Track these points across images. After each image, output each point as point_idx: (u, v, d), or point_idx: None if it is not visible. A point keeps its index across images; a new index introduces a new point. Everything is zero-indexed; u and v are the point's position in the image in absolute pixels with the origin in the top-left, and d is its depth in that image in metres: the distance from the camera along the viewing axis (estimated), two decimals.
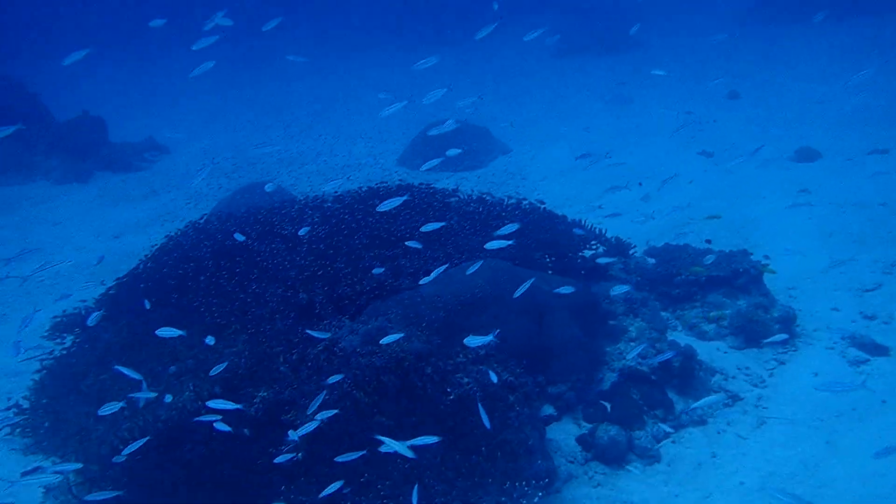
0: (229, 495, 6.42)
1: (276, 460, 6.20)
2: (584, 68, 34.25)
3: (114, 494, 6.09)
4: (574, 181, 19.29)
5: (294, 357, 7.50)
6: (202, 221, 11.32)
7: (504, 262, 8.48)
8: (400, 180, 12.21)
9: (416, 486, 5.76)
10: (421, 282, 7.84)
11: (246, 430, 6.48)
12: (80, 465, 6.09)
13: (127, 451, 6.20)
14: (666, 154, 20.75)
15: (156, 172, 24.03)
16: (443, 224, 8.60)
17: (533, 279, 7.70)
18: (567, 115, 26.92)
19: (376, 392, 6.91)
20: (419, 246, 8.55)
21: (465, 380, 7.08)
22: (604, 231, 10.59)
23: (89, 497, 6.13)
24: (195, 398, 7.33)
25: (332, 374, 7.08)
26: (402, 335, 7.28)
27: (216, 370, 7.01)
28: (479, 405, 6.31)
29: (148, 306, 8.81)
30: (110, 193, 21.39)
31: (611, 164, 20.19)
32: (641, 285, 10.10)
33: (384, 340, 7.04)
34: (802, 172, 17.36)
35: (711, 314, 9.39)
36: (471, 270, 8.07)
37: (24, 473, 7.75)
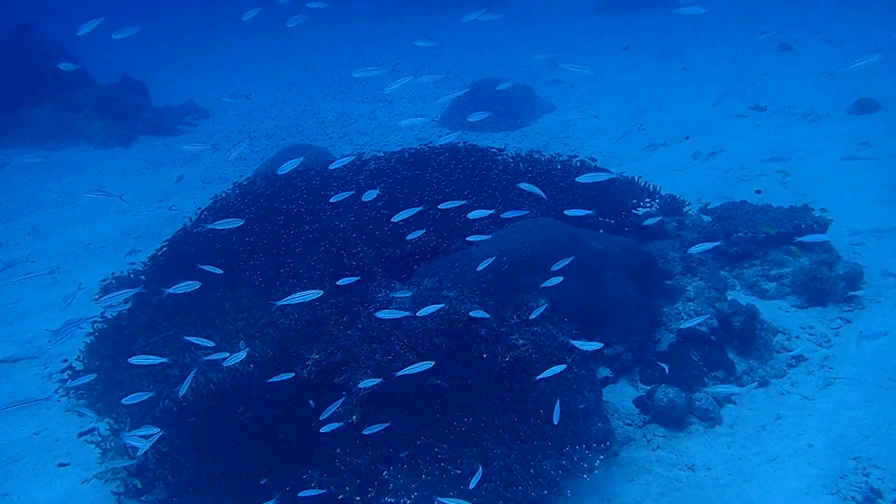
0: (282, 457, 6.37)
1: (324, 430, 6.08)
2: (631, 23, 33.24)
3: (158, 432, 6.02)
4: (622, 138, 18.74)
5: (345, 319, 7.38)
6: (246, 183, 11.23)
7: (557, 221, 8.19)
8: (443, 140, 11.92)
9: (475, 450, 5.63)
10: (471, 238, 7.63)
11: (311, 402, 6.37)
12: (158, 432, 6.04)
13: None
14: (716, 109, 20.04)
15: (197, 136, 24.09)
16: (491, 183, 8.32)
17: (587, 237, 7.44)
18: (613, 71, 26.18)
19: (429, 354, 6.75)
20: (463, 203, 8.32)
21: (521, 341, 6.88)
22: (658, 188, 10.20)
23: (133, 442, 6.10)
24: (247, 360, 7.29)
25: (384, 336, 6.96)
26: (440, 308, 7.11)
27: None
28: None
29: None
30: (153, 157, 21.48)
31: (659, 121, 19.60)
32: (697, 243, 9.70)
33: (424, 311, 6.86)
34: (862, 125, 16.59)
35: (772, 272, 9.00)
36: (523, 229, 7.82)
37: (81, 434, 7.84)
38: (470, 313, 6.89)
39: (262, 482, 6.10)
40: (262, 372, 7.12)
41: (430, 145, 10.96)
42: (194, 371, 6.15)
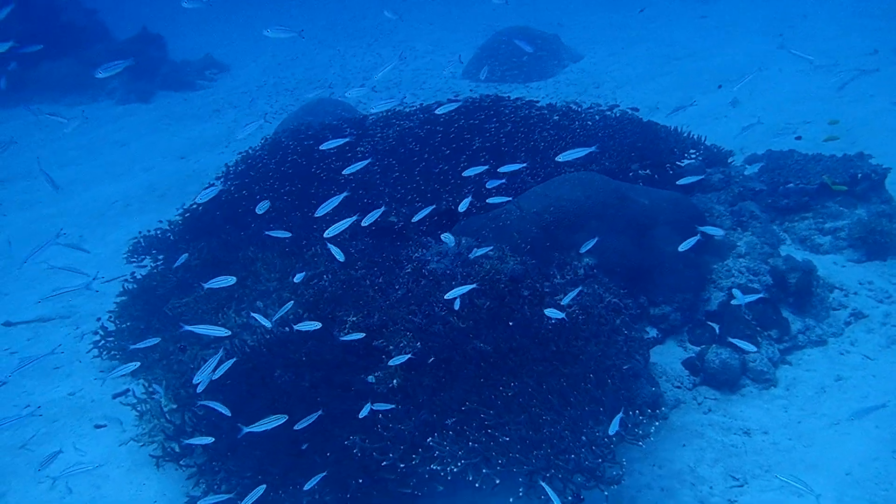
0: (322, 421, 6.19)
1: (362, 413, 5.87)
2: None
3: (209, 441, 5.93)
4: (655, 87, 18.09)
5: (380, 280, 7.12)
6: (272, 138, 10.92)
7: (599, 175, 7.81)
8: (471, 92, 11.43)
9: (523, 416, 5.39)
10: (492, 200, 7.29)
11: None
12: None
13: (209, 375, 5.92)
14: (754, 55, 19.23)
15: (217, 91, 23.74)
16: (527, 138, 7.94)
17: (633, 191, 7.06)
18: (644, 17, 25.25)
19: (470, 317, 6.50)
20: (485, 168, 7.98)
21: (565, 301, 6.58)
22: (702, 138, 9.73)
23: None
24: (282, 323, 7.08)
25: (423, 298, 6.71)
26: (489, 250, 6.82)
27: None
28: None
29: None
30: (173, 113, 21.20)
31: (694, 68, 18.88)
32: (744, 196, 9.28)
33: (475, 253, 6.57)
34: None
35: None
36: (566, 184, 7.45)
37: (115, 395, 7.74)
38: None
39: (302, 447, 5.92)
40: (297, 334, 6.92)
41: (460, 98, 10.52)
42: (220, 353, 5.90)
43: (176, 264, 7.37)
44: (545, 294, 6.65)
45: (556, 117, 9.83)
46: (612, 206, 7.42)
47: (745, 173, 9.88)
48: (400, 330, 6.42)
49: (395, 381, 6.14)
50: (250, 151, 10.58)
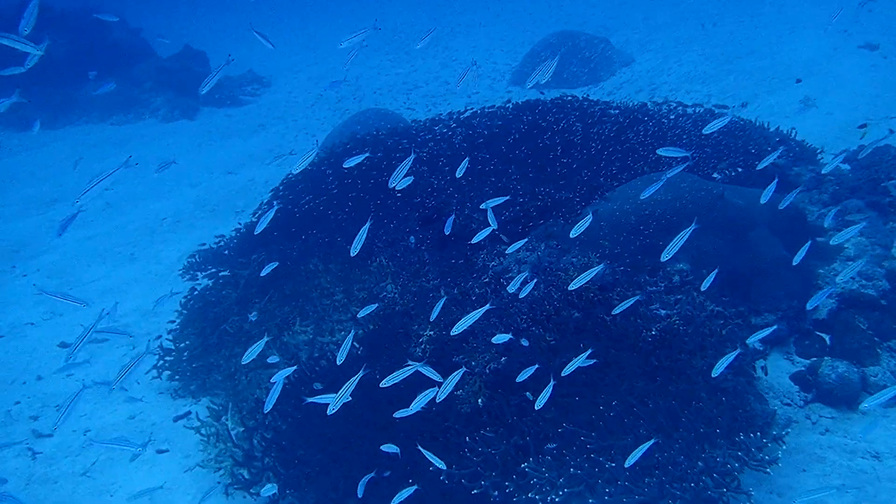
0: (402, 446, 5.76)
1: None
2: None
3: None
4: (714, 88, 17.45)
5: (456, 292, 6.70)
6: (327, 153, 10.60)
7: (689, 175, 7.30)
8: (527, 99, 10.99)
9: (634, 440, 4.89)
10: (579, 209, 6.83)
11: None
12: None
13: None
14: (819, 49, 18.46)
15: (261, 106, 23.78)
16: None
17: (727, 191, 6.54)
18: (695, 15, 24.59)
19: (557, 329, 6.02)
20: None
21: (663, 311, 6.08)
22: (792, 132, 9.14)
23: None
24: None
25: (501, 311, 6.27)
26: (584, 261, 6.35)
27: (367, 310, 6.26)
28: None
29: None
30: (218, 129, 21.24)
31: (757, 66, 18.20)
32: (840, 195, 8.65)
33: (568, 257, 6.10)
34: None
35: None
36: (653, 185, 6.94)
37: (177, 418, 7.44)
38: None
39: (384, 474, 5.50)
40: (368, 351, 6.54)
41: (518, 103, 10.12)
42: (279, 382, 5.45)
43: (263, 272, 6.95)
44: (640, 303, 6.13)
45: (621, 118, 9.34)
46: (705, 207, 6.90)
47: (838, 170, 9.23)
48: (482, 344, 5.98)
49: (479, 399, 5.70)
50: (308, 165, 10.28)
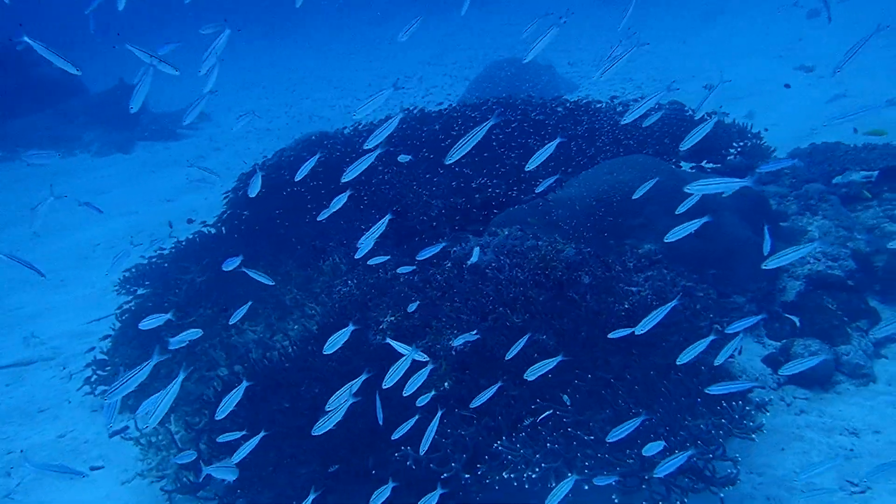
0: (360, 437, 5.46)
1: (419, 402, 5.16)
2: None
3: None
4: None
5: (416, 280, 6.49)
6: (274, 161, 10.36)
7: (652, 158, 7.32)
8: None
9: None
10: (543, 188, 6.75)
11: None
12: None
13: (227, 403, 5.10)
14: (760, 72, 19.36)
15: (201, 138, 23.40)
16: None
17: (689, 175, 6.56)
18: (637, 40, 25.42)
19: (526, 310, 5.86)
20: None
21: (635, 288, 5.98)
22: (750, 126, 9.33)
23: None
24: (304, 331, 6.42)
25: (466, 294, 6.08)
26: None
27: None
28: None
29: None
30: (155, 161, 20.79)
31: (703, 86, 18.78)
32: (797, 186, 8.80)
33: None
34: None
35: None
36: (615, 168, 6.94)
37: (113, 433, 6.95)
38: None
39: (333, 469, 5.17)
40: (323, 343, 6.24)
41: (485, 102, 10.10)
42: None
43: (229, 267, 6.30)
44: (609, 279, 6.03)
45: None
46: (669, 189, 6.89)
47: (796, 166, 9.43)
48: (446, 328, 5.77)
49: (445, 384, 5.45)
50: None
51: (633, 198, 5.97)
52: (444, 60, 28.93)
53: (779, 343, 6.73)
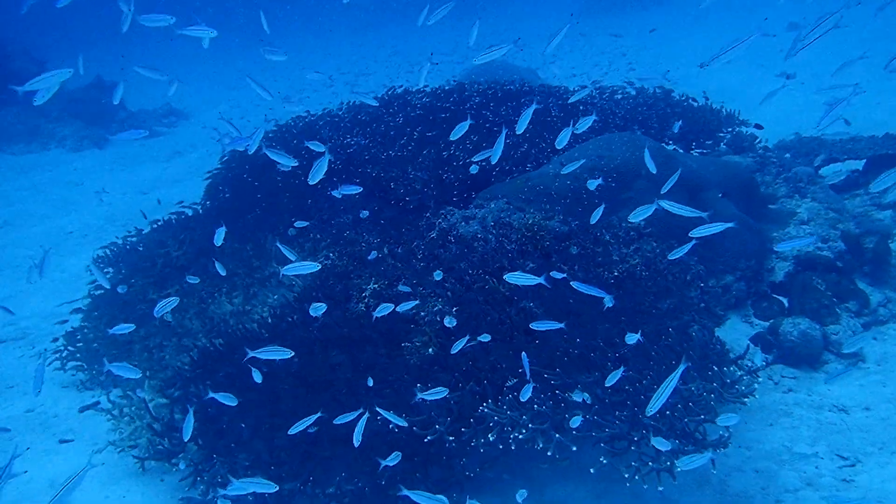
0: (343, 403, 5.37)
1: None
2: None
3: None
4: None
5: (400, 250, 6.44)
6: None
7: (642, 135, 7.34)
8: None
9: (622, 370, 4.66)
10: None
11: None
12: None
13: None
14: (742, 78, 19.77)
15: (178, 135, 23.26)
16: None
17: (678, 154, 6.58)
18: (618, 50, 25.77)
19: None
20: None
21: (622, 256, 5.97)
22: (738, 112, 9.40)
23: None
24: (286, 303, 6.34)
25: (451, 263, 6.03)
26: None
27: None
28: None
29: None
30: (131, 155, 20.59)
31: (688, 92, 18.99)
32: (782, 174, 8.86)
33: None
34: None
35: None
36: (603, 143, 6.94)
37: (83, 408, 6.81)
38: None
39: (310, 430, 5.06)
40: (305, 314, 6.15)
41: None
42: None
43: (216, 239, 6.11)
44: (597, 252, 6.01)
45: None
46: (659, 165, 6.89)
47: (781, 157, 9.52)
48: (430, 295, 5.71)
49: (430, 350, 5.38)
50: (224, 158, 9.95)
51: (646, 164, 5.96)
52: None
53: (767, 323, 6.74)
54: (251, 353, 4.89)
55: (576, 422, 4.51)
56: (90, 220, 14.04)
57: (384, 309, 5.27)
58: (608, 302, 4.88)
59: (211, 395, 4.92)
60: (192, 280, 6.64)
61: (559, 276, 5.26)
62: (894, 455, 5.38)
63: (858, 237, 7.04)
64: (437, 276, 5.60)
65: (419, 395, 4.77)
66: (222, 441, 5.34)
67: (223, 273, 6.39)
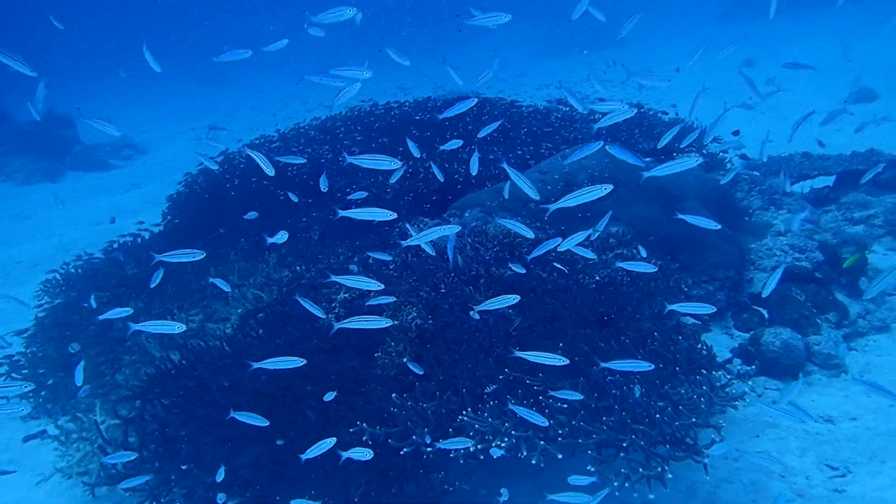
0: (312, 420, 5.09)
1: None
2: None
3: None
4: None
5: (371, 262, 6.23)
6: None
7: (620, 144, 7.27)
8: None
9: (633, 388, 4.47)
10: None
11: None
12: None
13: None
14: (704, 109, 20.11)
15: (135, 168, 22.82)
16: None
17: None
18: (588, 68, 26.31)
19: (490, 287, 5.65)
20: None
21: (602, 266, 5.83)
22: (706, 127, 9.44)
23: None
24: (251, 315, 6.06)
25: (424, 273, 5.85)
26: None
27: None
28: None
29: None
30: (86, 188, 20.12)
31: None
32: (759, 184, 8.89)
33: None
34: (867, 110, 16.61)
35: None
36: (584, 152, 6.86)
37: (28, 438, 6.39)
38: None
39: (278, 442, 4.78)
40: (271, 327, 5.90)
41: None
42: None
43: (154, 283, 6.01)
44: (576, 259, 5.87)
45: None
46: (636, 175, 6.84)
47: (750, 174, 9.57)
48: (405, 304, 5.49)
49: (405, 359, 5.15)
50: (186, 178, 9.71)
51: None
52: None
53: (747, 334, 6.64)
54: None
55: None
56: (40, 250, 13.58)
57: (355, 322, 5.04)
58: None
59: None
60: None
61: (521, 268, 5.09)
62: (885, 464, 5.28)
63: (836, 247, 7.02)
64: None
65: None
66: (178, 462, 5.01)
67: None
